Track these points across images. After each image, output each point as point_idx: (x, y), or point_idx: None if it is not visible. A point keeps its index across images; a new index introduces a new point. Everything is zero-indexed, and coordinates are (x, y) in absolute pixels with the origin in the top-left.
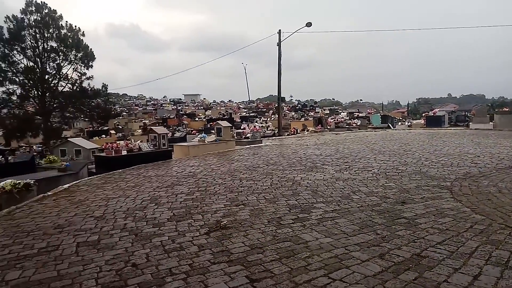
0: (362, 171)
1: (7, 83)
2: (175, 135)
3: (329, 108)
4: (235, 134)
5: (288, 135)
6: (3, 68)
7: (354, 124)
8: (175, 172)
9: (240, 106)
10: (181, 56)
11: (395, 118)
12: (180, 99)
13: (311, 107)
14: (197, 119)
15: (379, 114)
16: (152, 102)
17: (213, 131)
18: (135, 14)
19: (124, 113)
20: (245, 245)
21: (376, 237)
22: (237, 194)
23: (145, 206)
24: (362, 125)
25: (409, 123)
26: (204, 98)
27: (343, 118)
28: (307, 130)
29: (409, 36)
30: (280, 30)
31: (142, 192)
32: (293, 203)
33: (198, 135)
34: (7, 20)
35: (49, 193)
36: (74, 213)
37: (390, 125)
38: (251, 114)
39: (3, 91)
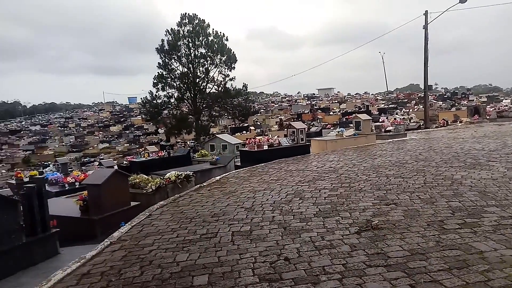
0: None
1: (167, 88)
2: (310, 129)
3: (485, 95)
4: (373, 128)
5: (436, 127)
6: (164, 75)
7: None
8: (315, 166)
9: (377, 97)
10: (314, 51)
11: None
12: (314, 94)
13: (463, 95)
14: (331, 113)
15: None
16: (287, 98)
17: (351, 125)
18: (272, 14)
19: (262, 110)
20: (403, 249)
21: None
22: (385, 192)
23: (290, 200)
24: None
25: None
26: (338, 92)
27: (506, 106)
28: (460, 121)
29: None
30: (426, 11)
31: (285, 186)
32: (456, 205)
33: (333, 129)
34: (167, 33)
35: (204, 184)
36: (227, 204)
37: None
38: (390, 105)
39: (164, 95)
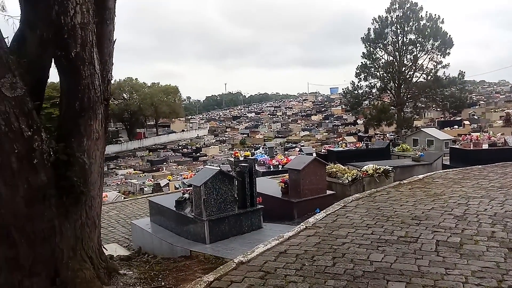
0: None
1: (369, 77)
2: None
3: None
4: None
5: None
6: (368, 65)
7: None
8: None
9: None
10: None
11: None
12: None
13: None
14: None
15: None
16: None
17: None
18: None
19: (481, 102)
20: None
21: None
22: None
23: None
24: None
25: None
26: None
27: None
28: None
29: None
30: None
31: None
32: None
33: None
34: (374, 21)
35: (404, 181)
36: (431, 207)
37: None
38: None
39: (366, 85)
